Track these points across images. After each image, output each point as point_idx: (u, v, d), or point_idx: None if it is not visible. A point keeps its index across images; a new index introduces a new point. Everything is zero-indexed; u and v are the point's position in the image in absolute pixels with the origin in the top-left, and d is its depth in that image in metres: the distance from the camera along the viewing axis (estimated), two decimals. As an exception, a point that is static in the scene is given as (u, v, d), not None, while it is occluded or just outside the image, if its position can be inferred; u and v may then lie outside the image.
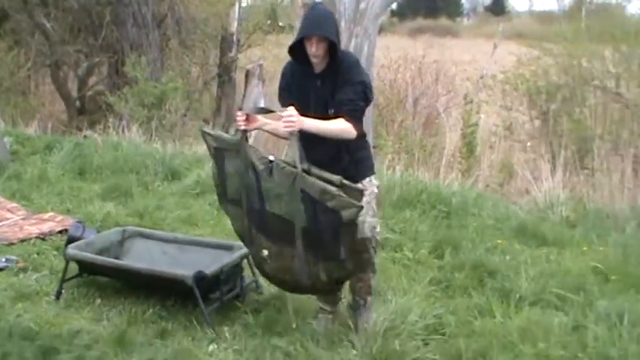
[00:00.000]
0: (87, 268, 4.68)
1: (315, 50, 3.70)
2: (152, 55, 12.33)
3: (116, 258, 4.78)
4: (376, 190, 3.98)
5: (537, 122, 10.46)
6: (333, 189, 3.46)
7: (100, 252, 4.72)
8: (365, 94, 3.75)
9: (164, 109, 10.67)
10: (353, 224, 3.52)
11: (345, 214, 3.44)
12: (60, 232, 5.75)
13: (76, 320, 4.27)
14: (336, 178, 3.52)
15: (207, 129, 4.10)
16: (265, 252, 3.83)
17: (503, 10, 47.48)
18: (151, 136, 9.49)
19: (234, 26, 13.48)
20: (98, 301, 4.56)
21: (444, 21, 40.38)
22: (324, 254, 3.60)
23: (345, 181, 3.51)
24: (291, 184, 3.55)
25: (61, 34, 13.25)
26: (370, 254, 3.99)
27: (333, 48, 3.72)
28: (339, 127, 3.67)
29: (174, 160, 8.11)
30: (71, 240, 5.01)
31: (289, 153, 3.68)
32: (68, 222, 5.82)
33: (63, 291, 4.60)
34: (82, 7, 13.16)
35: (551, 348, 3.99)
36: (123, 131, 9.62)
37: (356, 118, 3.71)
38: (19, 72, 13.28)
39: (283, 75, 3.98)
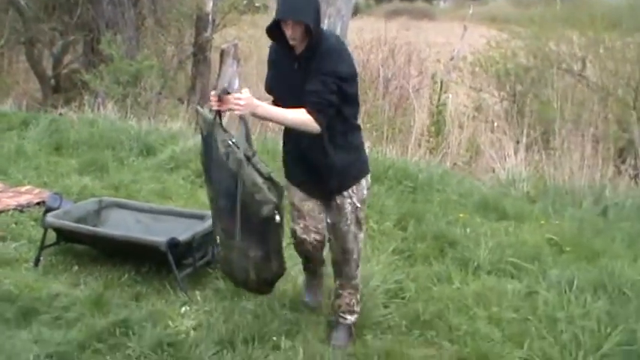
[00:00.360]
0: (65, 235, 4.85)
1: (291, 34, 3.41)
2: (128, 34, 12.34)
3: (93, 226, 4.92)
4: (365, 194, 3.76)
5: (505, 103, 10.70)
6: (260, 181, 3.40)
7: (78, 221, 4.88)
8: (338, 87, 3.40)
9: (139, 86, 10.74)
10: (273, 221, 3.44)
11: (264, 209, 3.39)
12: (37, 203, 5.88)
13: (55, 285, 4.44)
14: (265, 170, 3.44)
15: (201, 108, 3.86)
16: (218, 239, 3.79)
17: (479, -6, 47.58)
18: (127, 113, 9.57)
19: (209, 6, 13.45)
20: (75, 267, 4.74)
21: (420, 4, 40.25)
22: (255, 248, 3.52)
23: (272, 175, 3.43)
24: (236, 170, 3.42)
25: (36, 11, 13.13)
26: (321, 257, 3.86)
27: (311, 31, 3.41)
28: (299, 118, 3.38)
29: (149, 136, 8.20)
30: (49, 210, 5.16)
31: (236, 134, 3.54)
32: (45, 194, 5.95)
33: (41, 258, 4.77)
34: (58, -16, 13.16)
35: (504, 311, 4.24)
36: (98, 109, 9.70)
37: (319, 112, 3.38)
38: (-8, 49, 13.27)
39: (270, 53, 3.72)
